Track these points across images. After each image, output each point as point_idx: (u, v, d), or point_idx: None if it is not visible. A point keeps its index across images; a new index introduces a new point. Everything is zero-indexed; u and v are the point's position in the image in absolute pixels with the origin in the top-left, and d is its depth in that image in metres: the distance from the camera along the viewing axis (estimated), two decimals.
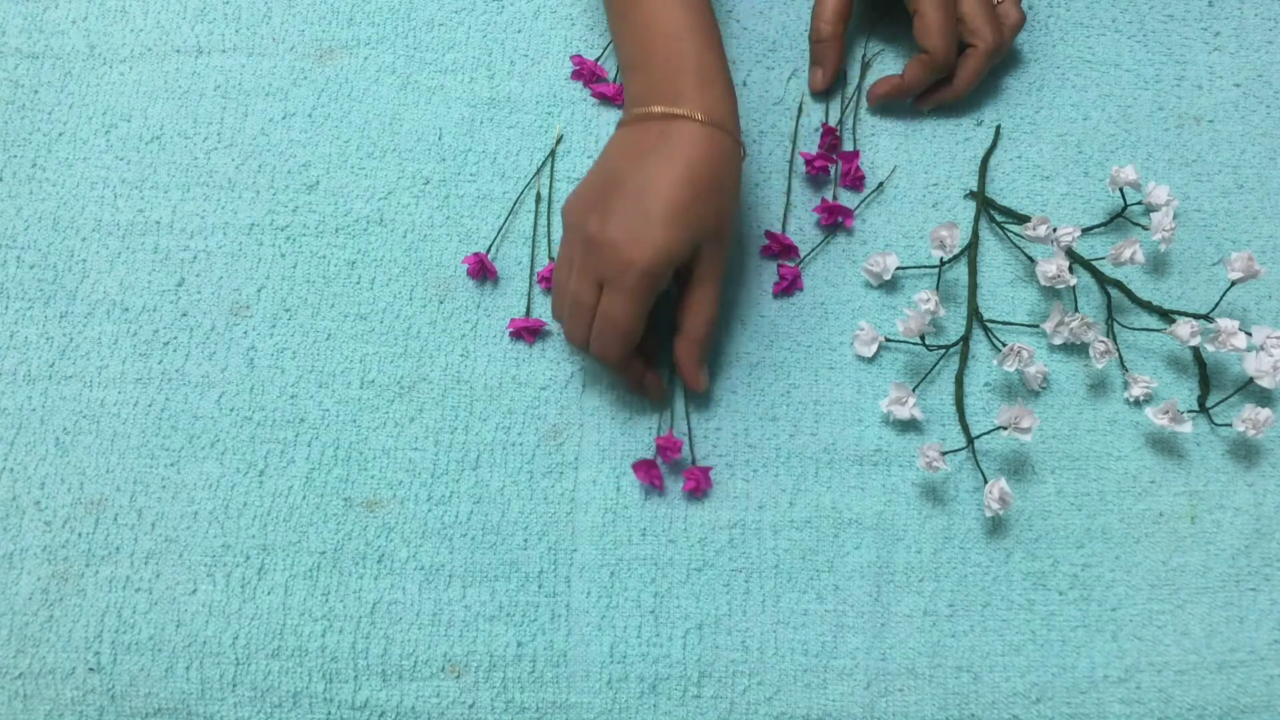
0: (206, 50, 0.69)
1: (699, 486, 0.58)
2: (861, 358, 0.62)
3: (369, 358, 0.62)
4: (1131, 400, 0.60)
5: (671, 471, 0.60)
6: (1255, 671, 0.56)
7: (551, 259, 0.64)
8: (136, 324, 0.63)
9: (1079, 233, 0.61)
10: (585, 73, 0.67)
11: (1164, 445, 0.60)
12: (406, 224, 0.65)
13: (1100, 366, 0.59)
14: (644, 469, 0.58)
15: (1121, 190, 0.62)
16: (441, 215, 0.65)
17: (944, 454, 0.58)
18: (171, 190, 0.66)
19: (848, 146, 0.66)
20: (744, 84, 0.67)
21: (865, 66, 0.68)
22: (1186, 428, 0.57)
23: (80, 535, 0.59)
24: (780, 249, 0.63)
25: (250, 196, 0.66)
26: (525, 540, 0.59)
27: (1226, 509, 0.59)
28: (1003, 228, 0.64)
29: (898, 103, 0.67)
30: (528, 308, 0.63)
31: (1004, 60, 0.67)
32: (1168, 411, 0.57)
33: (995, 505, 0.56)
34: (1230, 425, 0.59)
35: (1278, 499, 0.59)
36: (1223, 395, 0.60)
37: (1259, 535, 0.58)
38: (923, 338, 0.60)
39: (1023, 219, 0.63)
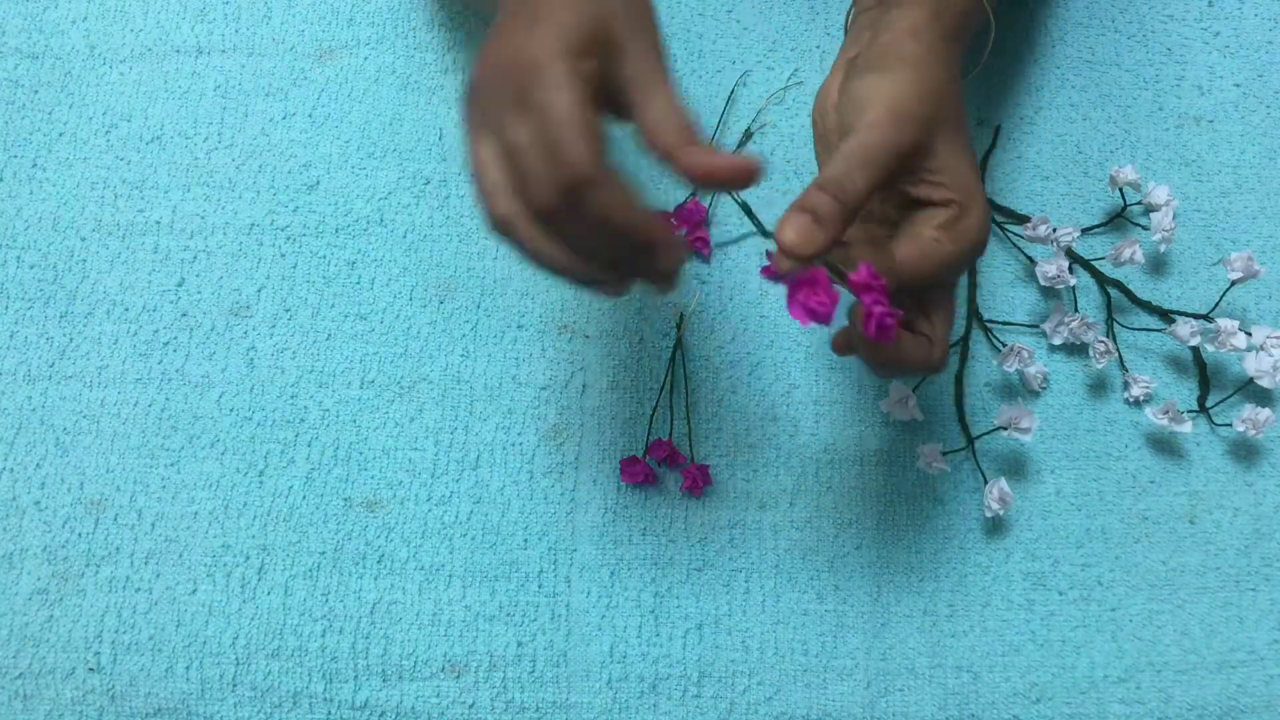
0: (206, 50, 0.69)
1: (696, 485, 0.58)
2: None
3: (369, 358, 0.62)
4: (1131, 400, 0.60)
5: (667, 469, 0.60)
6: (1255, 671, 0.56)
7: None
8: (136, 324, 0.63)
9: (1079, 233, 0.61)
10: None
11: (1164, 445, 0.60)
12: (406, 224, 0.65)
13: (1100, 366, 0.59)
14: (630, 467, 0.58)
15: (1121, 190, 0.62)
16: (441, 215, 0.65)
17: (944, 454, 0.58)
18: (171, 190, 0.66)
19: None
20: (743, 84, 0.67)
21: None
22: (1186, 428, 0.57)
23: (80, 535, 0.59)
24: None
25: (250, 196, 0.66)
26: (525, 540, 0.59)
27: (1226, 509, 0.59)
28: (1003, 228, 0.64)
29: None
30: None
31: (1004, 60, 0.67)
32: (1167, 411, 0.57)
33: (995, 505, 0.56)
34: (1230, 425, 0.59)
35: (1278, 499, 0.59)
36: (1223, 395, 0.60)
37: (1259, 535, 0.58)
38: None
39: (1023, 219, 0.63)
